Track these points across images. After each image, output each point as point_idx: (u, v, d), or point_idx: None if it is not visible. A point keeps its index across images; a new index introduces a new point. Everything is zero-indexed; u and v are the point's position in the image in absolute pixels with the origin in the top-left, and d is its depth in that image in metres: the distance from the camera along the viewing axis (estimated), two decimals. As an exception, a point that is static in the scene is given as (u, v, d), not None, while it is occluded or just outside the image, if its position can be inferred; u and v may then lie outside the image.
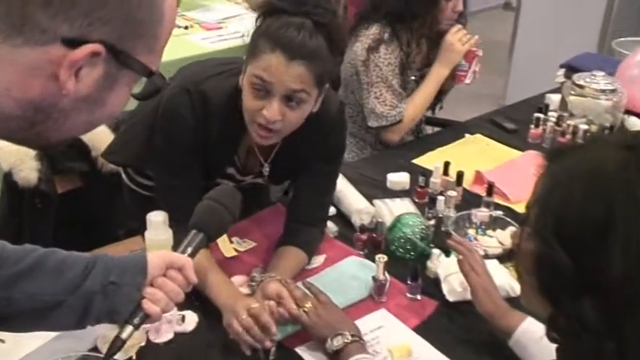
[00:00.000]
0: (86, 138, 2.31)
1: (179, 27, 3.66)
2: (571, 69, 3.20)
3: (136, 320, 1.17)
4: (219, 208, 1.30)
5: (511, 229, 2.02)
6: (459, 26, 2.66)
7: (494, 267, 1.81)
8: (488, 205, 2.14)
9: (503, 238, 2.01)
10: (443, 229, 2.05)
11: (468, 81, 2.75)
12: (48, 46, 0.77)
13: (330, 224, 2.04)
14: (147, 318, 1.18)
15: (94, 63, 0.81)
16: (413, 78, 2.72)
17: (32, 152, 2.22)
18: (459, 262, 1.69)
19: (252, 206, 2.14)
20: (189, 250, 1.25)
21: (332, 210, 2.12)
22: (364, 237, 1.96)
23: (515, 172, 2.41)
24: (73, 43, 0.78)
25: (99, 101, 0.85)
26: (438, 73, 2.69)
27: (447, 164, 2.29)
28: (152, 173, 1.97)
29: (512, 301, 1.62)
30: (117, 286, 1.19)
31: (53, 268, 1.19)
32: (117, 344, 1.16)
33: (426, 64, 2.75)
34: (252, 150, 1.88)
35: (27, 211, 2.30)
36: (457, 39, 2.64)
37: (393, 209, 2.07)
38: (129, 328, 1.16)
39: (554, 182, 1.05)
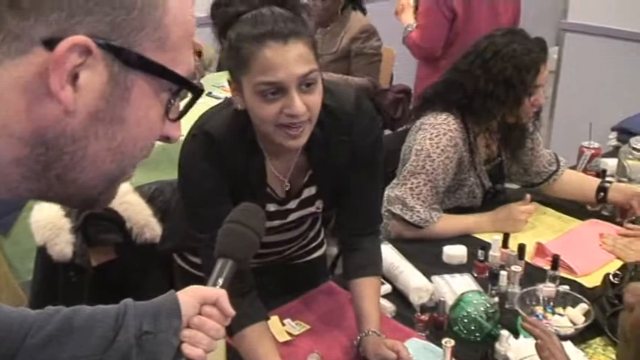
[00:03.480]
0: (121, 209, 2.24)
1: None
2: (624, 132, 3.08)
3: None
4: (239, 229, 1.18)
5: (582, 306, 1.86)
6: (530, 206, 2.41)
7: (569, 350, 1.65)
8: (553, 279, 1.98)
9: (575, 316, 1.85)
10: (507, 306, 1.90)
11: None
12: (29, 54, 0.65)
13: (387, 303, 1.91)
14: None
15: (91, 65, 0.67)
16: (475, 173, 2.43)
17: (67, 226, 2.15)
18: (538, 346, 1.53)
19: (307, 282, 2.04)
20: (220, 281, 1.14)
21: (388, 287, 1.99)
22: (425, 317, 1.81)
23: (578, 243, 2.27)
24: (54, 43, 0.64)
25: (115, 118, 0.71)
26: (480, 226, 2.38)
27: (506, 236, 2.15)
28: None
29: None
30: (152, 335, 1.08)
31: (82, 328, 1.08)
32: None
33: (496, 156, 2.52)
34: (284, 174, 1.76)
35: (61, 284, 2.24)
36: (523, 218, 2.38)
37: (453, 286, 1.93)
38: None
39: None
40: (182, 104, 0.80)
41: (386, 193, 2.42)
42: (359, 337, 1.69)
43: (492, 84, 2.23)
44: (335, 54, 4.03)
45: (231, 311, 1.14)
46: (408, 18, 3.70)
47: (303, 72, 1.47)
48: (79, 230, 2.18)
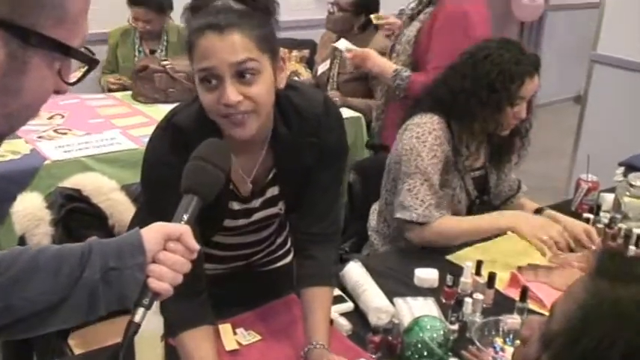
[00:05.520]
0: (104, 205, 2.27)
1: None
2: (631, 168, 3.02)
3: (146, 301, 1.11)
4: (204, 166, 1.23)
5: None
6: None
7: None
8: (521, 311, 1.95)
9: (533, 351, 1.81)
10: (467, 335, 1.87)
11: None
12: None
13: (343, 321, 1.90)
14: (157, 296, 1.13)
15: None
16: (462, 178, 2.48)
17: (47, 217, 2.18)
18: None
19: (271, 292, 2.03)
20: (186, 216, 1.18)
21: (349, 305, 1.98)
22: (377, 339, 1.79)
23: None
24: None
25: (11, 89, 0.76)
26: (497, 224, 2.42)
27: (479, 263, 2.11)
28: None
29: None
30: (118, 271, 1.12)
31: (48, 266, 1.12)
32: (132, 329, 1.09)
33: (482, 166, 2.57)
34: (249, 171, 1.77)
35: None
36: (548, 237, 2.37)
37: (413, 309, 1.90)
38: (140, 311, 1.10)
39: (596, 312, 0.85)
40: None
41: (382, 205, 2.48)
42: (306, 349, 1.69)
43: (477, 84, 2.31)
44: (352, 74, 4.03)
45: (196, 245, 1.17)
46: (384, 62, 3.23)
47: (236, 59, 1.50)
48: (60, 223, 2.21)
